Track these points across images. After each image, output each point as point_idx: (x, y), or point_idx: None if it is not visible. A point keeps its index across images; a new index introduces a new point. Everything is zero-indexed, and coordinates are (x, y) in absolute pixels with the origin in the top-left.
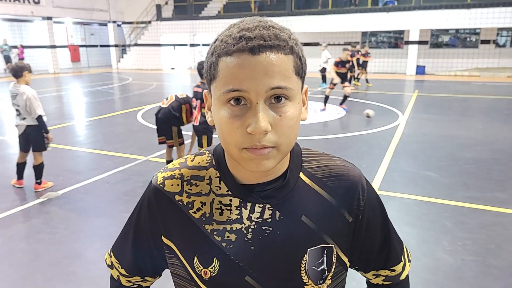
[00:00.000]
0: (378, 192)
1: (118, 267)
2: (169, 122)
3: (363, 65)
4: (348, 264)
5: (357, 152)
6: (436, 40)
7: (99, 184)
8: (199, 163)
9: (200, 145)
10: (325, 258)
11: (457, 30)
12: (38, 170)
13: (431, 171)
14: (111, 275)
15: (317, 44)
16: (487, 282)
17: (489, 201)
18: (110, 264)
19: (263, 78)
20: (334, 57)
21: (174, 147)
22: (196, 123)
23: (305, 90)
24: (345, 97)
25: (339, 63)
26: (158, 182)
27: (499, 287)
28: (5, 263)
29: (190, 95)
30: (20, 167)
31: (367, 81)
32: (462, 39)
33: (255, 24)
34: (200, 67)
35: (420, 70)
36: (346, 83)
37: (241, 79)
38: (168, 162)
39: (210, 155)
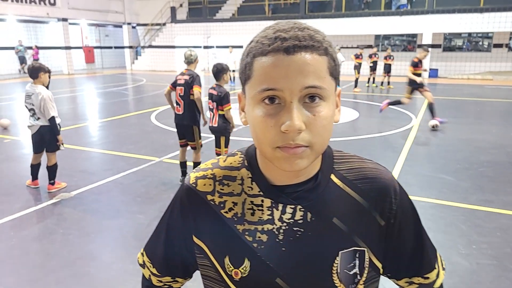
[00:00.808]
0: None
1: (150, 266)
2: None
3: (386, 68)
4: (381, 270)
5: (370, 155)
6: (449, 44)
7: (112, 185)
8: (231, 163)
9: (218, 146)
10: (357, 262)
11: (470, 34)
12: (52, 170)
13: (446, 174)
14: (143, 275)
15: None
16: (503, 286)
17: (504, 205)
18: (142, 263)
19: (298, 77)
20: (347, 60)
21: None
22: (215, 124)
23: (338, 92)
24: (430, 105)
25: (419, 63)
26: (191, 182)
27: None
28: (18, 263)
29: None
30: (35, 168)
31: (388, 83)
32: (475, 43)
33: (290, 25)
34: (215, 70)
35: (433, 73)
36: (426, 87)
37: (276, 78)
38: (182, 163)
39: (242, 155)
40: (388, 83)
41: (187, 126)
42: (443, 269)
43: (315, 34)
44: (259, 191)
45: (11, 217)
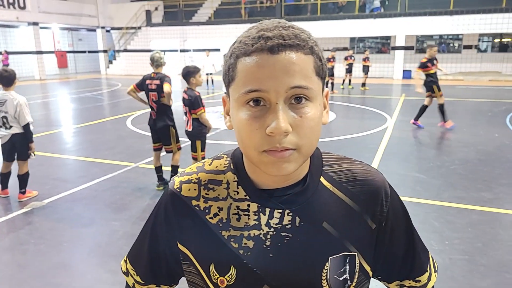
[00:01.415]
0: None
1: (134, 274)
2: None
3: (364, 70)
4: (370, 273)
5: (347, 155)
6: (421, 46)
7: (86, 192)
8: (216, 167)
9: (194, 150)
10: (347, 267)
11: (441, 36)
12: (23, 179)
13: (419, 173)
14: (126, 283)
15: None
16: (475, 280)
17: (475, 201)
18: (125, 271)
19: (283, 77)
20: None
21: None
22: (189, 128)
23: (326, 93)
24: (425, 108)
25: (427, 63)
26: (175, 187)
27: (487, 285)
28: None
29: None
30: (4, 176)
31: (363, 85)
32: (445, 45)
33: (274, 24)
34: (183, 72)
35: (407, 74)
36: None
37: (261, 79)
38: (157, 168)
39: (228, 158)
40: (363, 84)
41: (163, 128)
42: (435, 271)
43: (300, 32)
44: (245, 195)
45: None
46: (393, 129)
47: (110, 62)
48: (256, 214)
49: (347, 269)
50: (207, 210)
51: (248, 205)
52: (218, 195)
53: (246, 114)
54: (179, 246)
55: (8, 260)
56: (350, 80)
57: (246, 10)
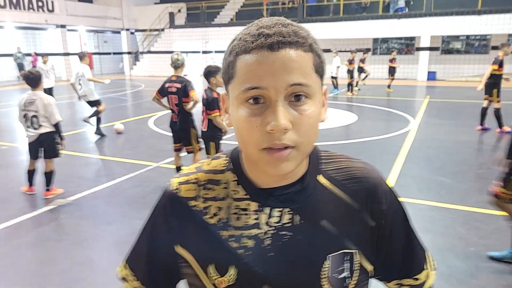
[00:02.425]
0: None
1: (133, 279)
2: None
3: (390, 71)
4: (371, 272)
5: (368, 158)
6: (447, 46)
7: (109, 190)
8: (215, 166)
9: (208, 152)
10: (347, 265)
11: (467, 36)
12: (49, 177)
13: (444, 177)
14: None
15: (329, 50)
16: None
17: None
18: (123, 277)
19: (283, 74)
20: (342, 64)
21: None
22: (204, 129)
23: (325, 91)
24: (498, 111)
25: (502, 61)
26: (173, 188)
27: None
28: (12, 271)
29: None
30: (31, 174)
31: (389, 86)
32: (472, 45)
33: (273, 22)
34: (205, 72)
35: (431, 76)
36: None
37: (260, 76)
38: (178, 168)
39: (227, 158)
40: (389, 86)
41: (183, 130)
42: (434, 269)
43: (299, 30)
44: (245, 195)
45: (6, 224)
46: (417, 131)
47: (134, 63)
48: (256, 213)
49: (347, 267)
50: (206, 210)
51: (248, 204)
52: (218, 194)
53: (246, 112)
54: (179, 248)
55: (33, 256)
56: (357, 82)
57: (268, 11)
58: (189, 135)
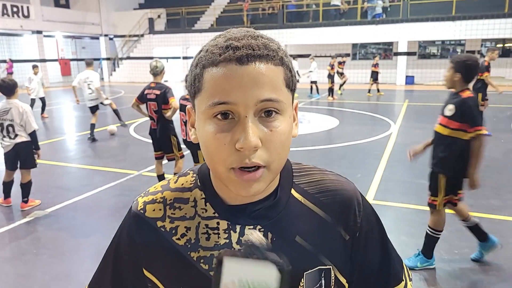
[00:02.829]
0: (373, 202)
1: None
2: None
3: (373, 76)
4: (346, 286)
5: (351, 162)
6: (423, 51)
7: (89, 200)
8: (182, 184)
9: (196, 160)
10: (323, 281)
11: (443, 42)
12: (26, 188)
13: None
14: None
15: (308, 55)
16: None
17: (484, 209)
18: None
19: (252, 89)
20: (320, 69)
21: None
22: (189, 138)
23: (295, 105)
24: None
25: (489, 66)
26: (139, 208)
27: None
28: None
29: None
30: (7, 185)
31: (378, 90)
32: (448, 50)
33: (242, 33)
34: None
35: (410, 80)
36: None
37: (228, 91)
38: (159, 176)
39: (195, 175)
40: (378, 90)
41: (164, 138)
42: (410, 280)
43: (269, 42)
44: (213, 213)
45: None
46: (398, 135)
47: (113, 69)
48: (226, 232)
49: (323, 284)
50: (173, 231)
51: (218, 223)
52: (185, 214)
53: (214, 128)
54: (145, 272)
55: (10, 271)
56: (340, 85)
57: (248, 17)
58: (170, 142)
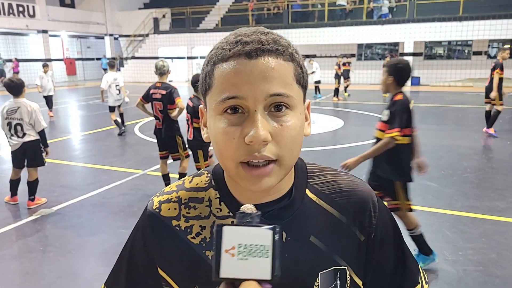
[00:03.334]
0: None
1: None
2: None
3: None
4: (362, 287)
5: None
6: (430, 52)
7: (95, 199)
8: (197, 184)
9: (196, 161)
10: (338, 282)
11: (449, 42)
12: (33, 186)
13: (430, 181)
14: None
15: (314, 56)
16: None
17: (488, 210)
18: None
19: (261, 83)
20: (326, 69)
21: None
22: (190, 137)
23: (307, 104)
24: (498, 113)
25: (502, 64)
26: (154, 207)
27: None
28: None
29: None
30: (14, 183)
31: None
32: (454, 50)
33: (252, 30)
34: (193, 80)
35: (415, 81)
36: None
37: (238, 85)
38: (164, 176)
39: (209, 175)
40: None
41: (169, 138)
42: (427, 283)
43: (279, 39)
44: (228, 212)
45: None
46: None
47: (105, 70)
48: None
49: (338, 284)
50: (188, 230)
51: (232, 222)
52: (200, 213)
53: (224, 123)
54: (159, 271)
55: (16, 268)
56: (346, 87)
57: (254, 17)
58: (175, 142)
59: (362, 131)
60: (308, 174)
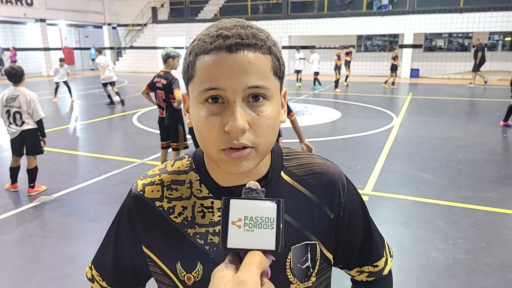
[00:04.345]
0: (372, 193)
1: (99, 280)
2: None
3: (393, 69)
4: (332, 260)
5: (352, 154)
6: (430, 44)
7: (93, 187)
8: (179, 167)
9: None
10: (309, 255)
11: (450, 34)
12: (32, 173)
13: (425, 172)
14: None
15: (313, 47)
16: (478, 279)
17: (481, 201)
18: (91, 277)
19: (240, 76)
20: (326, 60)
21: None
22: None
23: (284, 93)
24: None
25: None
26: (138, 190)
27: (490, 284)
28: None
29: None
30: (14, 171)
31: (393, 84)
32: (454, 43)
33: (233, 23)
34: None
35: (414, 73)
36: None
37: (218, 77)
38: None
39: (190, 158)
40: (393, 83)
41: (172, 126)
42: (391, 256)
43: (258, 32)
44: (208, 193)
45: None
46: (399, 128)
47: (93, 60)
48: (220, 210)
49: (309, 257)
50: (171, 210)
51: (212, 202)
52: (182, 194)
53: (205, 112)
54: (144, 249)
55: (18, 252)
56: (346, 77)
57: (252, 7)
58: (177, 131)
59: (359, 122)
60: (283, 158)
